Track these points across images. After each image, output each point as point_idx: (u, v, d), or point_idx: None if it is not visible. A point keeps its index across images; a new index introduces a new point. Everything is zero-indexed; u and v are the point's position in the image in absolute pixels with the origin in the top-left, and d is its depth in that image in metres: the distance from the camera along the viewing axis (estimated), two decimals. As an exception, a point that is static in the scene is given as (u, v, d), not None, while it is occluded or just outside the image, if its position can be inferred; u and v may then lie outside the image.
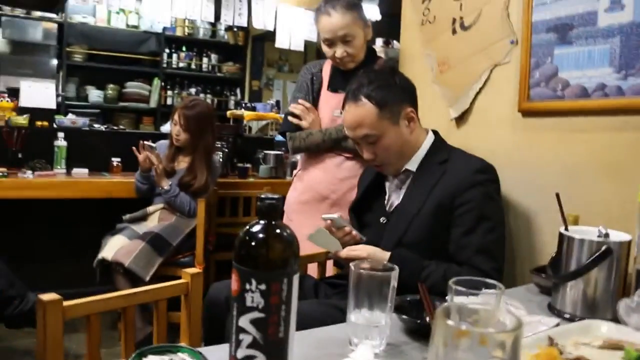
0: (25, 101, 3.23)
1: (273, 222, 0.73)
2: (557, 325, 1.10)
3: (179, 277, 1.25)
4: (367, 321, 0.94)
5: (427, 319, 1.03)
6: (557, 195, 1.25)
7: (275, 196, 0.74)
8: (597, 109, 1.48)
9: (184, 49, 5.90)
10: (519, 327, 0.58)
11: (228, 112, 4.29)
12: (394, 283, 0.95)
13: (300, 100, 2.05)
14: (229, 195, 3.11)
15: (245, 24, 4.39)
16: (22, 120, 3.10)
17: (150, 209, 2.84)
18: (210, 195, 2.91)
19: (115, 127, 4.30)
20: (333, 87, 2.04)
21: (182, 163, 2.90)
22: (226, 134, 3.61)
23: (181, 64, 5.89)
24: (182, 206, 2.77)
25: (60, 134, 3.10)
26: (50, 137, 3.11)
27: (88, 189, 2.96)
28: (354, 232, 1.53)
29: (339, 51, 1.93)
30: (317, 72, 2.10)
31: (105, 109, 5.41)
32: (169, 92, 5.86)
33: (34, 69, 5.01)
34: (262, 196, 0.73)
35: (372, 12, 4.68)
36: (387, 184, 1.62)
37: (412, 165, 1.55)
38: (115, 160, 3.30)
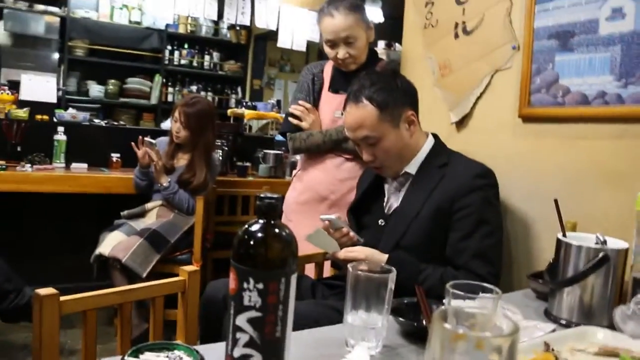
0: (25, 94, 3.23)
1: (272, 222, 0.73)
2: (554, 330, 1.10)
3: (176, 275, 1.25)
4: (363, 323, 0.94)
5: (424, 321, 1.03)
6: (556, 201, 1.25)
7: (275, 195, 0.73)
8: (597, 117, 1.48)
9: (186, 46, 5.90)
10: (515, 332, 0.58)
11: (228, 111, 4.29)
12: (391, 285, 0.95)
13: (300, 102, 2.05)
14: (228, 193, 3.12)
15: (247, 23, 4.40)
16: (22, 113, 3.09)
17: (148, 205, 2.83)
18: (209, 193, 2.91)
19: (116, 123, 4.29)
20: (334, 88, 2.04)
21: (182, 160, 2.90)
22: (226, 132, 3.62)
23: (183, 61, 5.89)
24: (181, 203, 2.77)
25: (60, 128, 3.10)
26: (50, 131, 3.11)
27: (87, 184, 2.95)
28: (351, 234, 1.53)
29: (341, 52, 1.93)
30: (318, 72, 2.10)
31: (105, 105, 5.43)
32: (170, 89, 5.86)
33: (35, 62, 5.00)
34: (262, 195, 0.73)
35: (375, 14, 4.70)
36: (386, 186, 1.62)
37: (412, 168, 1.55)
38: (115, 156, 3.30)
